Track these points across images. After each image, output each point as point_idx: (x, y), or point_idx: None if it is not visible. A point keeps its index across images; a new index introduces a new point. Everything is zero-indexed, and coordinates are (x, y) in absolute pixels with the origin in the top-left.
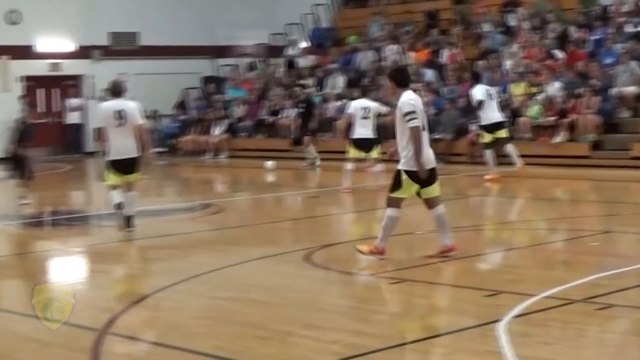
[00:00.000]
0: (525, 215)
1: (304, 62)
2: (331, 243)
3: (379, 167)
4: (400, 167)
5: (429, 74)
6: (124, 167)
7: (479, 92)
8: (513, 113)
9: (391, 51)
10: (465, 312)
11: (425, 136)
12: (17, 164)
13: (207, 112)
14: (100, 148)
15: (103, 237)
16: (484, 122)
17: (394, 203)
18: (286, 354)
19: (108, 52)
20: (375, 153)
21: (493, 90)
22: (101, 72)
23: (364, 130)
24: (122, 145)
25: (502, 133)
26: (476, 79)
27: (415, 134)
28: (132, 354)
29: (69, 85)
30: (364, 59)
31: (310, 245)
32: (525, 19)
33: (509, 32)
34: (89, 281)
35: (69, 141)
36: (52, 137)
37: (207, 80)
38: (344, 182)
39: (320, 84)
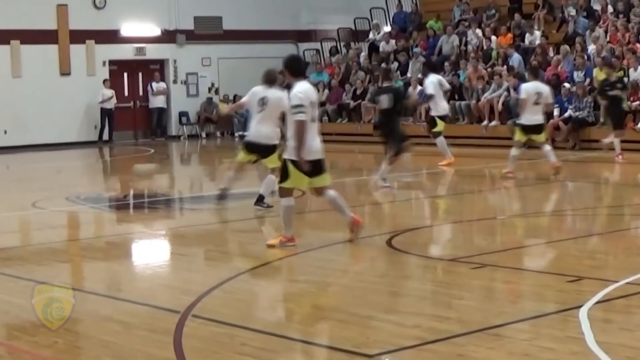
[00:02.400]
0: (609, 201)
1: (386, 46)
2: (412, 227)
3: (547, 147)
4: (285, 156)
5: (515, 59)
6: (254, 151)
7: (430, 85)
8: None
9: (474, 35)
10: (547, 298)
11: (314, 127)
12: None
13: None
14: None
15: (186, 220)
16: (438, 113)
17: (285, 193)
18: (366, 337)
19: (192, 37)
20: (543, 137)
21: (444, 80)
22: (185, 57)
23: (534, 116)
24: (256, 130)
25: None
26: (430, 69)
27: (298, 127)
28: (213, 336)
29: (153, 69)
30: (447, 43)
31: (391, 230)
32: (609, 3)
33: (593, 16)
34: (171, 264)
35: (153, 125)
36: (137, 121)
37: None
38: (509, 165)
39: (401, 68)
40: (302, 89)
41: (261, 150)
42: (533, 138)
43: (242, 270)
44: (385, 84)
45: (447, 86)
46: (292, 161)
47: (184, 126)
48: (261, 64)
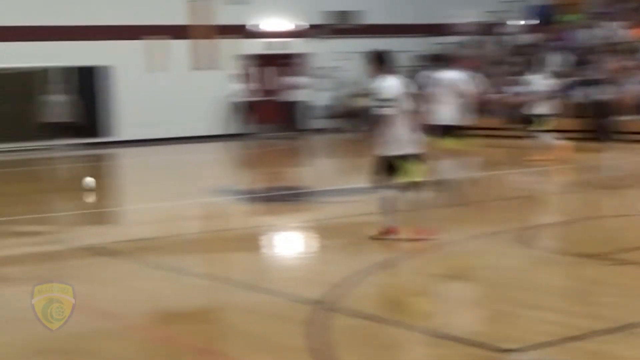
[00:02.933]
0: None
1: (519, 39)
2: (547, 223)
3: None
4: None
5: None
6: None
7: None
8: None
9: (611, 28)
10: None
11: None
12: None
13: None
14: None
15: (326, 212)
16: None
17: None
18: (504, 332)
19: (330, 31)
20: None
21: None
22: (323, 51)
23: None
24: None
25: None
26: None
27: (386, 120)
28: (350, 328)
29: (292, 63)
30: (584, 36)
31: (524, 224)
32: None
33: None
34: (310, 255)
35: (292, 118)
36: (274, 115)
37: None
38: None
39: (535, 63)
40: (390, 83)
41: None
42: None
43: (378, 262)
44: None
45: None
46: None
47: (323, 120)
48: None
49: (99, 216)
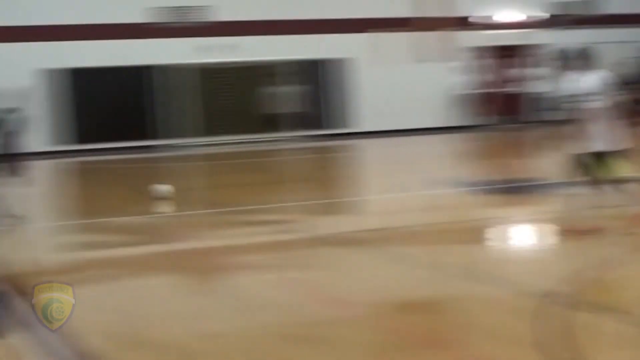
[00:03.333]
0: None
1: None
2: None
3: None
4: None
5: None
6: None
7: None
8: None
9: None
10: None
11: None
12: None
13: None
14: None
15: (554, 205)
16: None
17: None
18: None
19: (568, 21)
20: None
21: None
22: (561, 41)
23: None
24: None
25: None
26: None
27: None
28: (579, 321)
29: (522, 54)
30: None
31: None
32: None
33: None
34: (538, 248)
35: (527, 110)
36: (504, 107)
37: None
38: None
39: None
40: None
41: None
42: None
43: (605, 257)
44: None
45: None
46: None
47: (551, 111)
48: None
49: (328, 207)
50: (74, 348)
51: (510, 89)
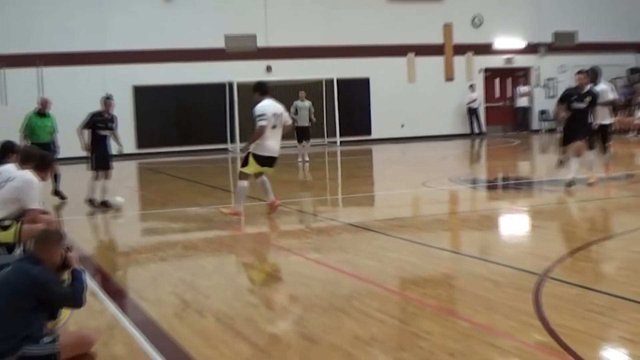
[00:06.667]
0: None
1: None
2: None
3: None
4: (250, 150)
5: None
6: None
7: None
8: None
9: None
10: None
11: (274, 132)
12: None
13: (631, 98)
14: None
15: (543, 199)
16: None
17: (242, 176)
18: None
19: (551, 49)
20: None
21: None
22: (545, 65)
23: None
24: None
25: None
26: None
27: (259, 130)
28: (566, 295)
29: (519, 75)
30: None
31: None
32: None
33: None
34: (531, 234)
35: (519, 121)
36: (505, 118)
37: (632, 71)
38: None
39: None
40: (267, 103)
41: None
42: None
43: (590, 241)
44: None
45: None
46: (255, 155)
47: (544, 122)
48: (607, 71)
49: (360, 200)
50: (145, 314)
51: (515, 103)
